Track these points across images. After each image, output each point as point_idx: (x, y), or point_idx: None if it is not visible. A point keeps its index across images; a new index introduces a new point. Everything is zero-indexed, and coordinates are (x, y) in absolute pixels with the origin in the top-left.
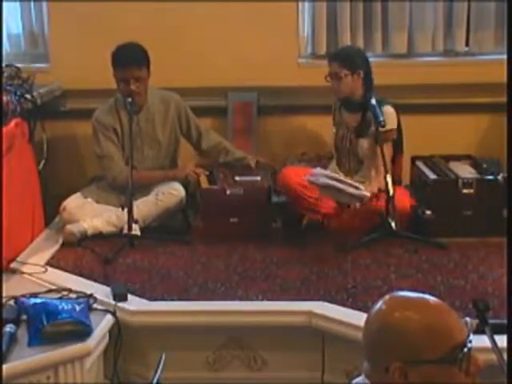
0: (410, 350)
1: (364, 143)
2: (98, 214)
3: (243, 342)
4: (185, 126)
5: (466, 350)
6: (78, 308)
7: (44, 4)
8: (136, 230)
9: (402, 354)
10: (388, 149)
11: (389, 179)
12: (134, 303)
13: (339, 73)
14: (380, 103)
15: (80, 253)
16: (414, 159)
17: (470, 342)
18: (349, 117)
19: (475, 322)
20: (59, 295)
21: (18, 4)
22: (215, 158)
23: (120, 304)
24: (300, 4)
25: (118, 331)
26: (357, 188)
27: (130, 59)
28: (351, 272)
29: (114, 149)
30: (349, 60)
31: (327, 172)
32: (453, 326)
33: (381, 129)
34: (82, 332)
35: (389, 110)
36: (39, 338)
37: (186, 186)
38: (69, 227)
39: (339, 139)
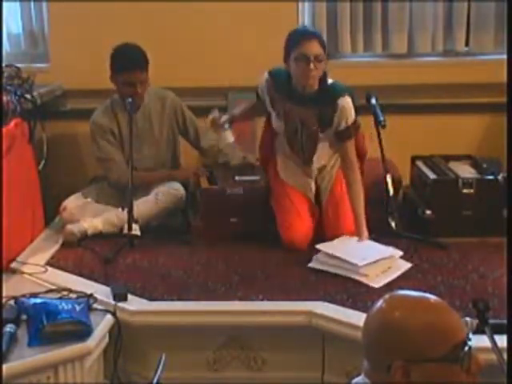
0: (412, 349)
1: (325, 140)
2: (98, 214)
3: (243, 342)
4: (181, 123)
5: (467, 348)
6: (78, 308)
7: (44, 4)
8: (136, 229)
9: (404, 353)
10: (351, 143)
11: (389, 179)
12: (134, 303)
13: (320, 55)
14: (335, 90)
15: (80, 253)
16: (413, 159)
17: (470, 340)
18: (302, 111)
19: (475, 321)
20: (59, 295)
21: (18, 4)
22: (214, 157)
23: (120, 304)
24: (300, 4)
25: (118, 331)
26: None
27: (133, 63)
28: None
29: (114, 150)
30: (324, 42)
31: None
32: (454, 325)
33: (344, 126)
34: (82, 332)
35: (347, 103)
36: (39, 338)
37: (185, 186)
38: (69, 227)
39: (291, 133)
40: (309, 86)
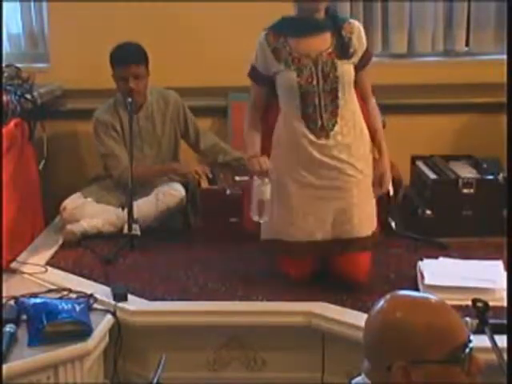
0: (414, 350)
1: (346, 67)
2: (98, 214)
3: (243, 342)
4: (183, 125)
5: (467, 350)
6: (78, 308)
7: (44, 4)
8: (136, 229)
9: (405, 354)
10: (367, 73)
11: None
12: (134, 303)
13: None
14: (341, 16)
15: (80, 253)
16: (413, 159)
17: (471, 341)
18: (316, 41)
19: (475, 321)
20: (59, 295)
21: (18, 4)
22: (213, 158)
23: (120, 304)
24: None
25: (118, 331)
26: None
27: (128, 57)
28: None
29: (117, 146)
30: None
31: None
32: (455, 326)
33: (363, 50)
34: (82, 332)
35: (360, 25)
36: (39, 338)
37: (186, 186)
38: (69, 227)
39: (304, 81)
40: (316, 8)
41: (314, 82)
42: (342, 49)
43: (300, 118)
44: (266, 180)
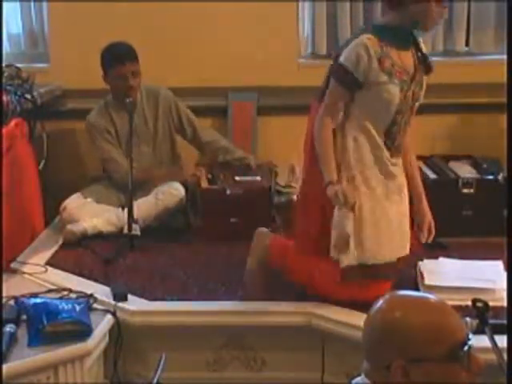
0: (412, 348)
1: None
2: (98, 214)
3: (243, 342)
4: (176, 119)
5: (467, 347)
6: (78, 308)
7: (44, 4)
8: (136, 229)
9: (404, 353)
10: None
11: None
12: (134, 303)
13: None
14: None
15: (80, 253)
16: None
17: (470, 339)
18: (408, 54)
19: (475, 321)
20: (59, 295)
21: (18, 4)
22: (215, 155)
23: (120, 304)
24: (300, 4)
25: (118, 331)
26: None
27: (125, 55)
28: None
29: (115, 149)
30: None
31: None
32: (454, 324)
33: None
34: (82, 332)
35: None
36: (39, 338)
37: (186, 186)
38: (69, 227)
39: (403, 97)
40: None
41: (408, 100)
42: (424, 66)
43: (382, 134)
44: (350, 214)
